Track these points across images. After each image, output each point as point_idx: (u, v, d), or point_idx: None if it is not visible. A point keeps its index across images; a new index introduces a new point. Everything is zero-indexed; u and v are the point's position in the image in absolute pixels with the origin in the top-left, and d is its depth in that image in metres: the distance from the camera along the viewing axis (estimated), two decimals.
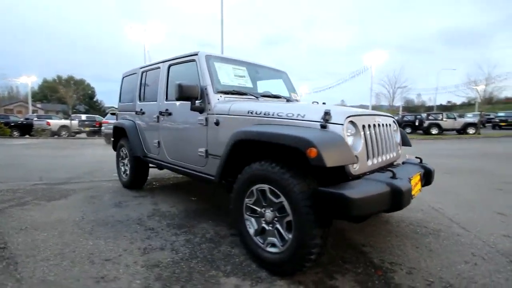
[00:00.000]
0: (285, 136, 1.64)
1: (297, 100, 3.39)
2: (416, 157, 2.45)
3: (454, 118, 18.29)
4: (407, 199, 1.63)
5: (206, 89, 2.50)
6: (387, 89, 20.77)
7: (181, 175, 4.77)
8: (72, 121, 16.75)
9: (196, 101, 2.50)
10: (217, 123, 2.39)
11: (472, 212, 3.01)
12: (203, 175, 2.59)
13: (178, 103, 2.92)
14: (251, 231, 1.95)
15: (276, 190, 1.74)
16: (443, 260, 2.01)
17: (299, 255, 1.63)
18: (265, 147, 1.98)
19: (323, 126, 1.71)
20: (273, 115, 1.99)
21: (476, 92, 17.76)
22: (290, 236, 1.69)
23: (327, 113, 1.74)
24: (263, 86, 3.19)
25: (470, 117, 21.18)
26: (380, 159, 2.04)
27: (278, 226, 1.79)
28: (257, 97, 2.73)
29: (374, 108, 23.54)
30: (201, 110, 2.51)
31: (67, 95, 16.91)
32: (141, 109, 3.57)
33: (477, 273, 1.84)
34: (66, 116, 27.26)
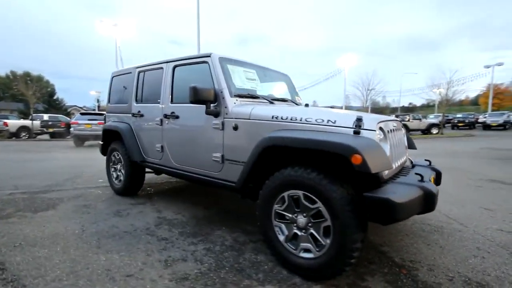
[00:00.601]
0: (328, 143, 1.66)
1: (300, 104, 3.44)
2: (426, 160, 2.62)
3: (420, 119, 19.74)
4: (437, 201, 1.75)
5: (222, 92, 2.45)
6: (360, 91, 21.85)
7: (175, 180, 4.61)
8: (34, 122, 15.33)
9: (211, 105, 2.44)
10: (235, 128, 2.35)
11: (464, 208, 3.29)
12: (218, 181, 2.52)
13: (187, 105, 2.82)
14: (281, 237, 1.95)
15: (312, 196, 1.76)
16: (455, 256, 2.17)
17: (340, 259, 1.66)
18: (295, 153, 1.99)
19: (357, 132, 1.76)
20: (300, 120, 2.01)
21: (439, 94, 19.33)
22: (328, 241, 1.72)
23: (359, 119, 1.80)
24: (266, 88, 3.19)
25: (432, 118, 23.01)
26: (398, 163, 2.16)
27: (312, 231, 1.81)
28: (270, 101, 2.73)
29: (346, 108, 24.66)
30: (216, 114, 2.45)
31: (27, 92, 15.42)
32: (139, 111, 3.38)
33: (488, 266, 2.02)
34: (23, 115, 24.87)
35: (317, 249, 1.78)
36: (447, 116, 28.78)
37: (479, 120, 24.20)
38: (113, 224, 2.73)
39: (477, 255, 2.18)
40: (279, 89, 3.42)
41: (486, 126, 21.97)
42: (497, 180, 4.71)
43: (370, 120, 1.83)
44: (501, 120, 21.47)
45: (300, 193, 1.82)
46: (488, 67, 26.69)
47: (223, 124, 2.43)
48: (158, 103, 3.12)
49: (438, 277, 1.88)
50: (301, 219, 1.85)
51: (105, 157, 4.05)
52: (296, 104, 3.22)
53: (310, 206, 1.79)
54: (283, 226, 1.96)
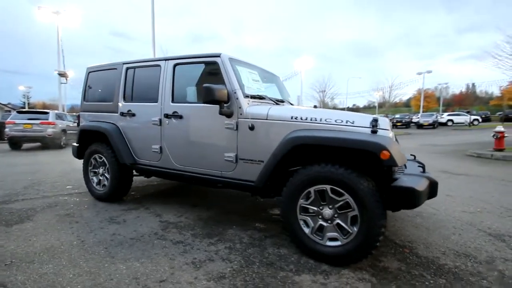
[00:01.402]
0: (359, 141, 1.87)
1: (292, 104, 3.64)
2: (411, 154, 3.04)
3: None
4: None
5: (235, 93, 2.49)
6: (317, 92, 23.29)
7: (157, 182, 4.42)
8: None
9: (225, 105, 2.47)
10: (251, 128, 2.42)
11: None
12: (231, 180, 2.56)
13: (192, 105, 2.79)
14: (307, 230, 2.11)
15: (340, 189, 1.95)
16: (439, 234, 2.60)
17: (368, 243, 1.88)
18: (318, 151, 2.16)
19: (374, 132, 2.01)
20: (320, 120, 2.19)
21: (382, 97, 21.78)
22: (355, 228, 1.93)
23: (375, 120, 2.05)
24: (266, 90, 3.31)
25: None
26: None
27: (338, 221, 2.00)
28: (276, 102, 2.86)
29: None
30: (229, 115, 2.48)
31: None
32: (129, 110, 3.19)
33: (466, 240, 2.48)
34: None
35: (344, 237, 1.98)
36: (386, 116, 32.60)
37: (413, 120, 27.90)
38: (114, 232, 2.55)
39: (455, 233, 2.64)
40: (273, 90, 3.56)
41: (419, 126, 25.41)
42: (447, 171, 5.61)
43: (384, 121, 2.10)
44: (431, 120, 25.06)
45: (327, 187, 2.00)
46: (420, 73, 30.85)
47: (237, 124, 2.48)
48: (155, 102, 2.99)
49: (434, 252, 2.25)
50: (327, 211, 2.03)
51: (72, 160, 3.69)
52: (292, 104, 3.40)
53: (337, 198, 1.98)
54: (308, 219, 2.11)
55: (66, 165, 6.25)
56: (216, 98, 2.37)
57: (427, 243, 2.42)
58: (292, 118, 2.28)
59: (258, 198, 3.65)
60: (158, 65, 3.00)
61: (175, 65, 2.89)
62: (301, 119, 2.25)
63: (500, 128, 7.68)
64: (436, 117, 25.80)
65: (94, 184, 3.55)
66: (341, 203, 1.97)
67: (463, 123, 26.51)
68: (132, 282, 1.78)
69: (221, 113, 2.47)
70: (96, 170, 3.55)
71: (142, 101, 3.14)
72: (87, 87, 3.71)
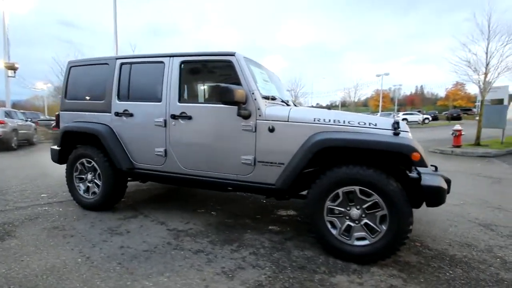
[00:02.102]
0: (391, 144, 1.95)
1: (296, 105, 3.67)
2: None
3: None
4: None
5: (253, 94, 2.43)
6: (289, 92, 23.84)
7: (146, 187, 4.15)
8: None
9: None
10: (271, 130, 2.39)
11: None
12: (248, 184, 2.50)
13: (203, 106, 2.67)
14: (334, 231, 2.15)
15: (369, 190, 2.02)
16: (439, 228, 2.84)
17: (397, 241, 1.98)
18: (342, 152, 2.21)
19: (396, 134, 2.12)
20: (344, 123, 2.24)
21: (348, 96, 23.09)
22: (384, 227, 2.02)
23: (397, 123, 2.16)
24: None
25: None
26: None
27: (366, 221, 2.07)
28: (286, 103, 2.86)
29: None
30: (247, 116, 2.42)
31: None
32: (126, 110, 2.93)
33: (463, 232, 2.74)
34: None
35: (372, 236, 2.06)
36: None
37: None
38: (121, 245, 2.34)
39: (452, 225, 2.90)
40: (274, 90, 3.55)
41: None
42: None
43: (403, 123, 2.22)
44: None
45: (356, 188, 2.05)
46: (379, 75, 33.25)
47: (255, 126, 2.43)
48: (158, 101, 2.79)
49: (441, 245, 2.45)
50: (355, 212, 2.09)
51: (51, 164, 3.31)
52: (295, 105, 3.43)
53: (366, 199, 2.05)
54: (335, 220, 2.15)
55: (30, 170, 5.55)
56: (235, 99, 2.30)
57: (432, 236, 2.62)
58: (315, 120, 2.30)
59: (261, 200, 3.63)
60: (161, 62, 2.80)
61: (182, 63, 2.72)
62: (324, 121, 2.28)
63: (458, 127, 8.61)
64: (394, 116, 28.08)
65: (81, 192, 3.21)
66: (369, 203, 2.04)
67: (416, 121, 29.19)
68: None
69: (239, 114, 2.40)
70: (83, 176, 3.21)
71: (141, 100, 2.91)
72: (68, 84, 3.33)
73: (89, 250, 2.25)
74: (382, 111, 37.73)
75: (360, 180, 2.02)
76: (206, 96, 3.38)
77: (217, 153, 2.59)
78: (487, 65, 8.17)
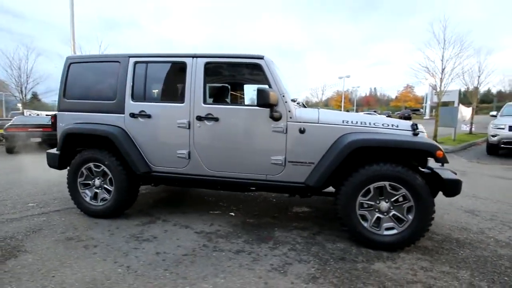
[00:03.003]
0: (419, 143, 2.21)
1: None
2: None
3: None
4: None
5: (283, 96, 2.55)
6: None
7: (148, 191, 4.00)
8: None
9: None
10: (302, 131, 2.52)
11: None
12: (278, 183, 2.61)
13: (231, 107, 2.71)
14: (365, 223, 2.36)
15: (397, 185, 2.27)
16: (436, 215, 3.22)
17: (421, 229, 2.26)
18: (370, 151, 2.43)
19: (416, 134, 2.42)
20: (369, 124, 2.47)
21: (316, 95, 24.17)
22: (410, 217, 2.28)
23: (415, 124, 2.46)
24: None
25: None
26: None
27: (394, 212, 2.33)
28: (303, 104, 3.02)
29: None
30: (278, 118, 2.53)
31: None
32: (143, 111, 2.82)
33: (456, 218, 3.18)
34: None
35: (400, 225, 2.32)
36: None
37: None
38: (157, 251, 2.28)
39: (445, 213, 3.34)
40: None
41: None
42: None
43: (420, 125, 2.53)
44: None
45: (386, 183, 2.29)
46: (341, 78, 35.31)
47: (286, 127, 2.54)
48: (181, 102, 2.75)
49: (444, 230, 2.83)
50: (384, 204, 2.33)
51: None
52: (305, 106, 3.61)
53: (395, 193, 2.30)
54: (366, 213, 2.37)
55: (2, 176, 4.92)
56: (270, 102, 2.39)
57: (434, 223, 3.00)
58: (343, 122, 2.50)
59: (271, 199, 3.75)
60: (183, 62, 2.76)
61: (206, 64, 2.71)
62: (352, 123, 2.49)
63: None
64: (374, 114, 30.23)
65: (88, 199, 2.99)
66: (397, 196, 2.30)
67: None
68: None
69: (271, 116, 2.49)
70: (90, 182, 3.00)
71: (159, 101, 2.83)
72: (68, 81, 3.08)
73: (124, 259, 2.15)
74: (346, 110, 40.15)
75: (390, 176, 2.26)
76: (229, 97, 3.38)
77: (246, 154, 2.64)
78: (442, 70, 9.32)
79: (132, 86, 2.86)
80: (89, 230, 2.69)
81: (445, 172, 2.42)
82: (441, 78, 9.43)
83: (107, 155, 2.88)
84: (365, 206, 2.38)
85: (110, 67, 2.96)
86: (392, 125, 2.49)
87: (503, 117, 7.22)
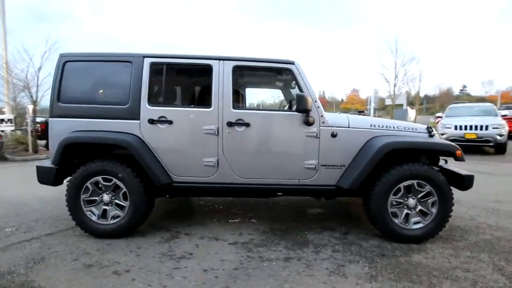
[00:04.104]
0: (443, 144, 2.49)
1: None
2: None
3: None
4: None
5: (316, 101, 2.61)
6: None
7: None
8: None
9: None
10: (334, 135, 2.62)
11: None
12: (310, 187, 2.67)
13: (263, 112, 2.70)
14: (396, 220, 2.57)
15: (424, 182, 2.52)
16: None
17: (444, 220, 2.54)
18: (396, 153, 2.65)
19: (432, 136, 2.72)
20: (392, 128, 2.70)
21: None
22: (434, 210, 2.55)
23: (430, 127, 2.76)
24: None
25: None
26: None
27: (420, 207, 2.57)
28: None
29: None
30: (312, 123, 2.58)
31: None
32: (163, 117, 2.59)
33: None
34: None
35: (425, 219, 2.57)
36: None
37: None
38: (203, 269, 2.13)
39: None
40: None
41: None
42: None
43: (432, 127, 2.84)
44: None
45: (414, 182, 2.52)
46: None
47: (319, 132, 2.61)
48: (207, 107, 2.61)
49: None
50: (411, 201, 2.57)
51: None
52: None
53: (421, 189, 2.54)
54: (396, 210, 2.58)
55: None
56: (308, 108, 2.44)
57: None
58: (371, 126, 2.67)
59: (281, 203, 3.77)
60: (208, 65, 2.62)
61: (235, 67, 2.62)
62: (378, 127, 2.68)
63: None
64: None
65: (95, 218, 2.62)
66: (423, 193, 2.55)
67: None
68: None
69: (306, 121, 2.54)
70: (96, 198, 2.64)
71: (182, 105, 2.64)
72: (63, 83, 2.66)
73: (172, 281, 1.97)
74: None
75: (419, 175, 2.50)
76: (256, 102, 3.30)
77: (279, 159, 2.64)
78: (396, 77, 10.55)
79: (149, 89, 2.61)
80: (106, 253, 2.38)
81: (460, 170, 2.76)
82: (394, 84, 10.67)
83: (120, 166, 2.57)
84: (395, 204, 2.58)
85: (119, 67, 2.66)
86: (412, 128, 2.75)
87: (449, 118, 8.46)
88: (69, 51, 2.74)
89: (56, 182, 2.66)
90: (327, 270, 2.12)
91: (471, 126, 7.66)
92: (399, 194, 2.56)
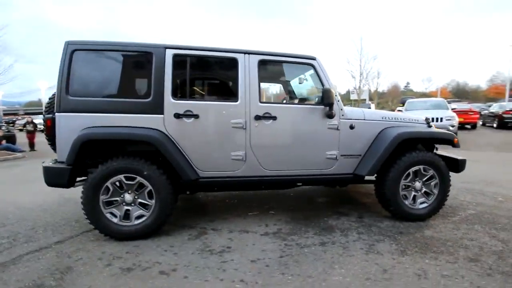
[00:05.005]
0: (444, 133, 2.86)
1: None
2: None
3: None
4: None
5: (336, 95, 2.79)
6: None
7: None
8: None
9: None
10: (352, 127, 2.85)
11: None
12: (330, 176, 2.87)
13: (289, 106, 2.82)
14: (407, 201, 2.90)
15: (428, 167, 2.88)
16: None
17: (443, 200, 2.95)
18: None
19: (430, 126, 3.11)
20: (400, 119, 3.02)
21: None
22: (435, 191, 2.94)
23: (428, 118, 3.15)
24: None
25: None
26: None
27: (425, 189, 2.94)
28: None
29: None
30: (333, 116, 2.77)
31: None
32: (188, 111, 2.54)
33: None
34: None
35: (429, 199, 2.95)
36: None
37: None
38: (250, 259, 2.18)
39: None
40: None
41: None
42: None
43: (429, 119, 3.23)
44: None
45: (421, 167, 2.87)
46: None
47: (339, 124, 2.81)
48: (234, 101, 2.62)
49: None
50: (418, 184, 2.92)
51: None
52: None
53: (426, 173, 2.91)
54: (406, 193, 2.91)
55: None
56: (333, 101, 2.62)
57: None
58: (383, 118, 2.95)
59: (290, 193, 3.93)
60: (234, 58, 2.62)
61: (260, 62, 2.66)
62: (389, 118, 2.98)
63: None
64: None
65: (116, 220, 2.47)
66: (427, 176, 2.92)
67: None
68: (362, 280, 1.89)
69: (330, 114, 2.71)
70: (117, 199, 2.49)
71: (208, 99, 2.61)
72: (72, 73, 2.42)
73: (225, 274, 2.00)
74: None
75: (425, 160, 2.85)
76: (277, 94, 3.33)
77: (304, 151, 2.78)
78: (360, 74, 11.41)
79: (173, 82, 2.53)
80: (139, 255, 2.28)
81: (451, 155, 3.19)
82: (360, 80, 11.54)
83: (144, 163, 2.45)
84: (404, 187, 2.91)
85: (138, 58, 2.52)
86: (415, 120, 3.11)
87: (409, 111, 9.48)
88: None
89: (70, 183, 2.44)
90: (362, 250, 2.33)
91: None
92: (409, 179, 2.89)
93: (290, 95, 3.65)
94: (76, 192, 3.67)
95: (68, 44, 2.44)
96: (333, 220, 2.98)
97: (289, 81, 3.34)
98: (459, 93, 38.68)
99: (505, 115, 11.57)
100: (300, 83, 3.33)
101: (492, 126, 12.53)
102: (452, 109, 10.36)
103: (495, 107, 13.19)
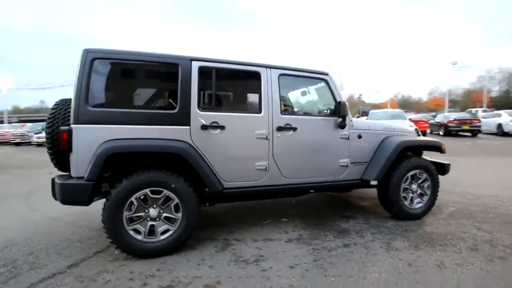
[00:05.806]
0: (433, 141, 3.29)
1: None
2: None
3: None
4: None
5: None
6: None
7: None
8: None
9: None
10: (360, 137, 3.14)
11: None
12: (342, 182, 3.11)
13: (306, 118, 2.98)
14: (406, 202, 3.26)
15: (423, 171, 3.29)
16: None
17: (434, 199, 3.37)
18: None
19: (419, 135, 3.57)
20: (398, 130, 3.41)
21: None
22: (428, 192, 3.35)
23: (417, 128, 3.61)
24: None
25: None
26: None
27: (420, 191, 3.34)
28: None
29: None
30: (344, 126, 3.03)
31: None
32: (215, 122, 2.57)
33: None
34: None
35: (423, 200, 3.36)
36: None
37: None
38: (288, 265, 2.27)
39: None
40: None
41: None
42: None
43: (417, 128, 3.70)
44: None
45: (417, 171, 3.27)
46: None
47: (349, 134, 3.08)
48: (257, 113, 2.73)
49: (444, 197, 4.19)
50: (414, 186, 3.31)
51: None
52: None
53: (421, 177, 3.31)
54: (405, 195, 3.27)
55: None
56: (348, 113, 2.89)
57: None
58: (383, 128, 3.31)
59: (292, 200, 4.08)
60: (257, 72, 2.74)
61: (280, 75, 2.82)
62: (389, 129, 3.35)
63: None
64: None
65: (140, 237, 2.37)
66: (422, 179, 3.33)
67: None
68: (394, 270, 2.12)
69: (342, 125, 2.97)
70: (141, 214, 2.39)
71: (234, 111, 2.68)
72: (91, 83, 2.31)
73: (271, 282, 2.07)
74: None
75: (420, 165, 3.26)
76: (292, 107, 3.45)
77: (320, 160, 2.99)
78: None
79: (200, 94, 2.55)
80: (174, 271, 2.22)
81: (438, 160, 3.67)
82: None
83: (170, 176, 2.41)
84: (403, 190, 3.28)
85: (163, 69, 2.50)
86: (407, 130, 3.54)
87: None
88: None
89: (91, 199, 2.28)
90: (382, 249, 2.58)
91: None
92: (407, 182, 3.27)
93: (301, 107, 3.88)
94: (62, 211, 3.40)
95: (87, 52, 2.32)
96: (344, 224, 3.21)
97: (304, 94, 3.56)
98: (404, 105, 43.29)
99: (449, 124, 13.39)
100: (303, 96, 3.57)
101: (439, 134, 14.34)
102: (410, 119, 11.69)
103: (439, 117, 15.16)
